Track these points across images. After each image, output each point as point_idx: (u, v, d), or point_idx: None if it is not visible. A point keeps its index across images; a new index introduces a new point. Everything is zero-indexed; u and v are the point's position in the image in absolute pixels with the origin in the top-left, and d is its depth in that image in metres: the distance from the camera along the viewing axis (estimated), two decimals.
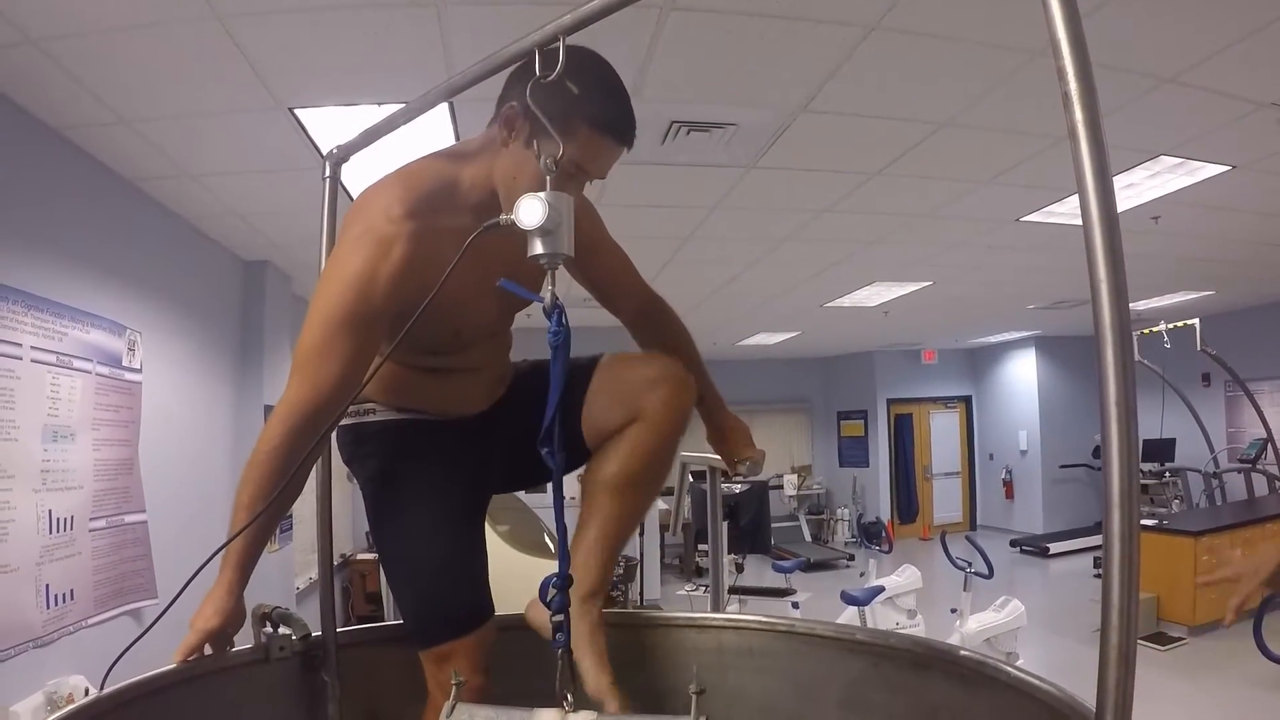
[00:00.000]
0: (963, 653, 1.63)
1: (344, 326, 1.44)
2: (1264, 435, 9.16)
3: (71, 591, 3.64)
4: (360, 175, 4.11)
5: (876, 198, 4.83)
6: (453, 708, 1.16)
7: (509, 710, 1.28)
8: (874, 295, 8.11)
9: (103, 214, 4.07)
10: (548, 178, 1.31)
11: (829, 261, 6.59)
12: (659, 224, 5.26)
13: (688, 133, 3.76)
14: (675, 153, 3.99)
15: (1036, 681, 1.43)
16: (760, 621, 1.93)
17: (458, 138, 3.72)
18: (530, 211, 1.17)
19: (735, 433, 1.95)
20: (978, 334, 12.68)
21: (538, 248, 1.20)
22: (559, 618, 1.27)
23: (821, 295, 8.07)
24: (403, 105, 1.78)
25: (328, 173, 1.87)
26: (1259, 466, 9.51)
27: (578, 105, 1.38)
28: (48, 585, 3.46)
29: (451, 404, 1.76)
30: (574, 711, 1.18)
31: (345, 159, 1.87)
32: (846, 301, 8.37)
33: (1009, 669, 1.48)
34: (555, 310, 1.23)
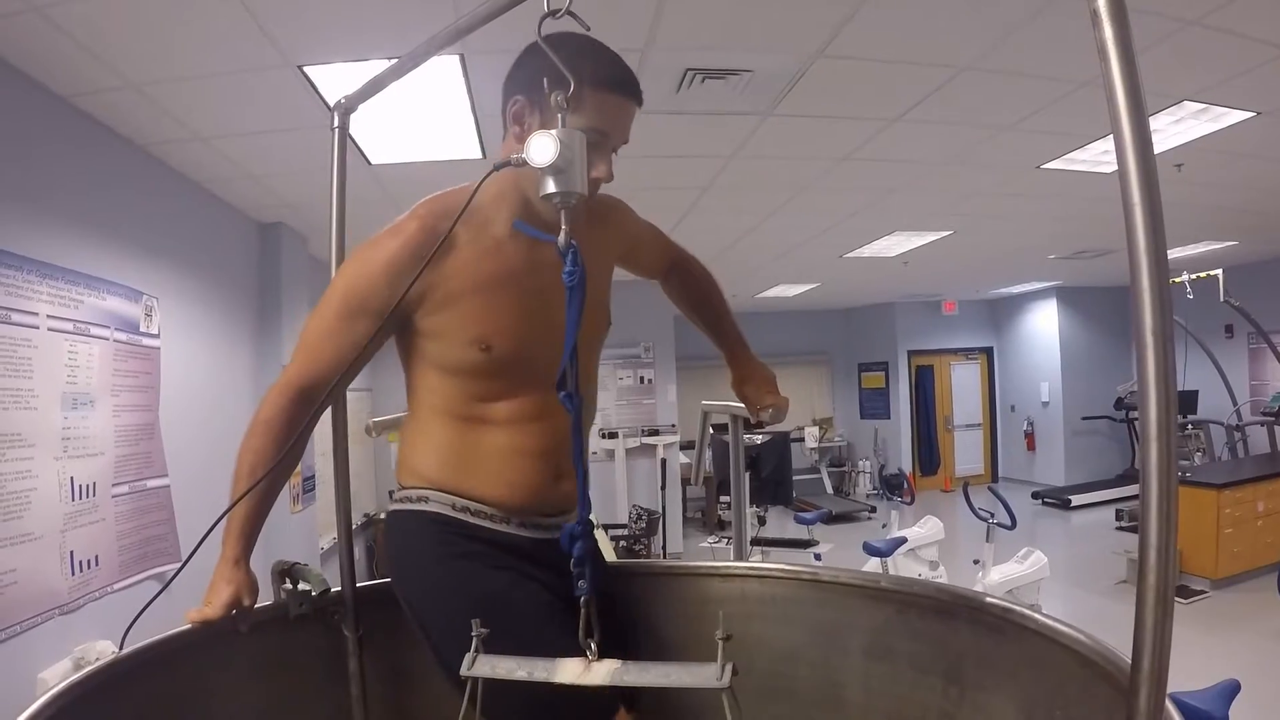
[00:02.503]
0: (988, 600, 1.61)
1: (347, 306, 1.52)
2: None
3: (96, 558, 3.66)
4: (372, 129, 4.09)
5: (895, 145, 4.75)
6: (474, 659, 1.14)
7: (531, 660, 1.27)
8: (894, 245, 8.02)
9: (115, 180, 4.05)
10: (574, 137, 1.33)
11: (848, 211, 6.51)
12: (676, 174, 5.18)
13: (703, 80, 3.69)
14: (691, 101, 3.91)
15: (1064, 629, 1.41)
16: (784, 569, 1.92)
17: (470, 92, 3.67)
18: (542, 149, 1.15)
19: (759, 378, 1.96)
20: (998, 285, 12.56)
21: (550, 186, 1.18)
22: (581, 568, 1.24)
23: (841, 246, 7.98)
24: (415, 63, 1.74)
25: (336, 123, 1.84)
26: None
27: (580, 72, 1.36)
28: (72, 552, 3.48)
29: (516, 487, 1.60)
30: (597, 660, 1.15)
31: (353, 109, 1.84)
32: (866, 252, 8.28)
33: (1036, 616, 1.46)
34: (569, 250, 1.21)
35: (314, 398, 1.52)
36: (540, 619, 1.51)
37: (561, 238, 1.21)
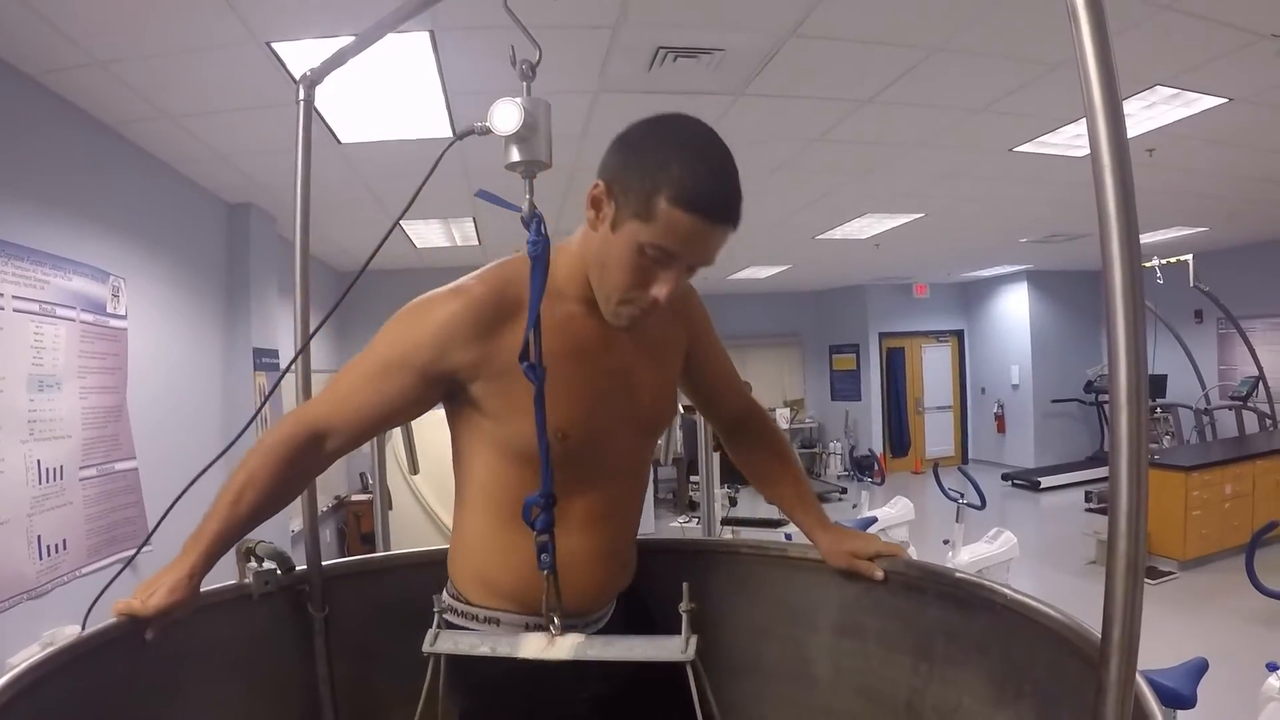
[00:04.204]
0: (958, 575, 1.61)
1: (386, 363, 1.40)
2: (1256, 373, 9.23)
3: (64, 541, 3.62)
4: (342, 108, 4.03)
5: (868, 126, 4.75)
6: (436, 636, 1.12)
7: (494, 635, 1.26)
8: (866, 227, 8.04)
9: (82, 160, 3.99)
10: (642, 262, 1.27)
11: (820, 193, 6.51)
12: None
13: (675, 59, 3.66)
14: (663, 80, 3.89)
15: (1034, 603, 1.42)
16: (753, 545, 1.92)
17: (440, 69, 3.63)
18: (505, 117, 1.12)
19: (858, 536, 1.81)
20: (969, 268, 12.63)
21: (514, 155, 1.15)
22: (544, 537, 1.20)
23: (813, 227, 8.00)
24: (382, 33, 1.69)
25: (302, 95, 1.80)
26: (1250, 404, 9.58)
27: (658, 177, 1.24)
28: (39, 536, 3.44)
29: (587, 594, 1.48)
30: (561, 634, 1.13)
31: (319, 81, 1.81)
32: (838, 234, 8.29)
33: (1006, 591, 1.47)
34: (534, 219, 1.17)
35: (324, 444, 1.42)
36: None
37: (525, 206, 1.17)
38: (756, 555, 1.91)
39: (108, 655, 1.34)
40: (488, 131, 1.14)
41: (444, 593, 1.50)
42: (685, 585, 1.01)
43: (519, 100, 1.12)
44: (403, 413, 1.45)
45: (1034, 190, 6.59)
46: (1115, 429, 0.82)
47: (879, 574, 1.67)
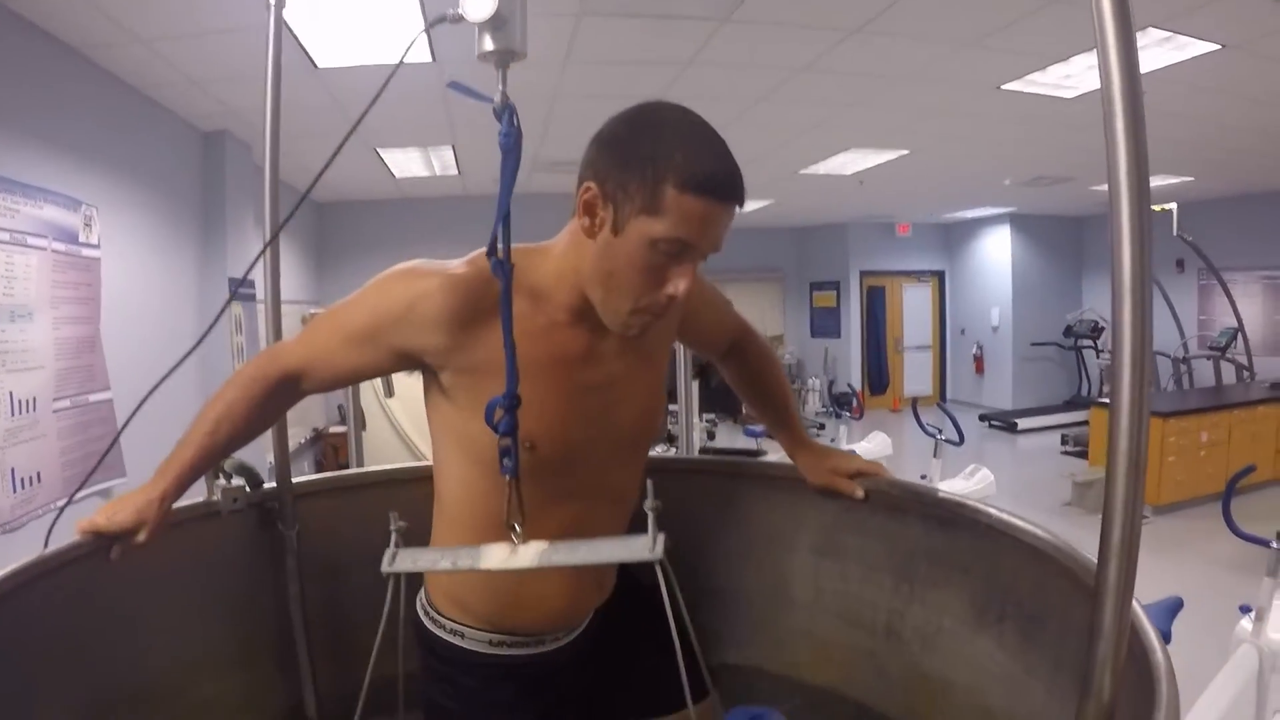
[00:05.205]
0: (940, 495, 1.61)
1: (358, 331, 1.37)
2: (1235, 325, 9.29)
3: (39, 474, 3.59)
4: (318, 31, 3.92)
5: (856, 57, 4.66)
6: (394, 555, 1.09)
7: (454, 549, 1.24)
8: (850, 163, 7.96)
9: (51, 86, 3.88)
10: (655, 260, 1.22)
11: (805, 125, 6.42)
12: (627, 81, 5.00)
13: None
14: (646, 2, 3.78)
15: (1019, 523, 1.41)
16: (729, 464, 1.91)
17: None
18: (478, 3, 1.06)
19: (837, 454, 1.80)
20: (953, 208, 12.59)
21: (487, 44, 1.09)
22: (506, 441, 1.15)
23: (796, 162, 7.91)
24: None
25: (272, 3, 1.73)
26: (1228, 355, 9.66)
27: (661, 166, 1.19)
28: (13, 469, 3.41)
29: (558, 615, 1.49)
30: (523, 544, 1.10)
31: None
32: (822, 169, 8.21)
33: (990, 510, 1.46)
34: (506, 110, 1.10)
35: (299, 384, 1.43)
36: None
37: (498, 98, 1.11)
38: (734, 474, 1.89)
39: (71, 574, 1.32)
40: (460, 19, 1.08)
41: (419, 596, 1.51)
42: (650, 483, 0.98)
43: None
44: (373, 375, 1.46)
45: (1021, 130, 6.51)
46: (1119, 307, 0.80)
47: (859, 493, 1.65)
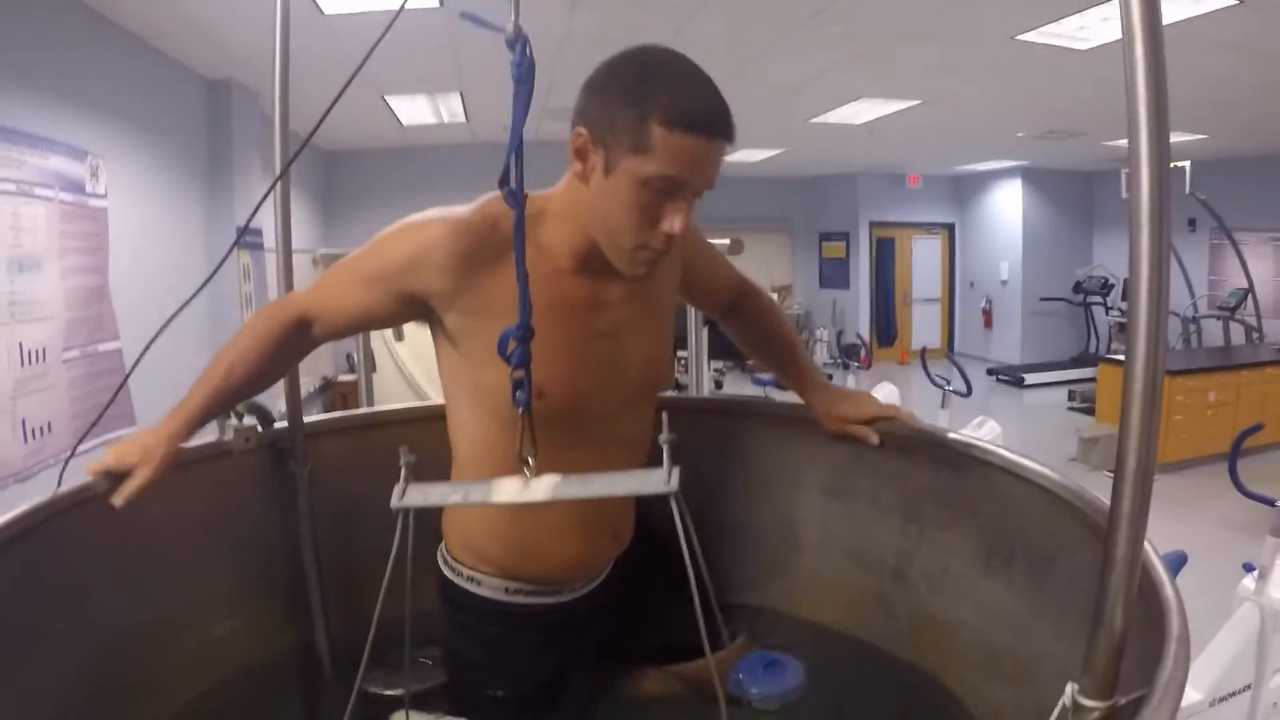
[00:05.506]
0: (950, 436, 1.60)
1: (367, 274, 1.40)
2: (1245, 285, 9.22)
3: (50, 424, 3.62)
4: None
5: (869, 2, 4.60)
6: (404, 490, 1.08)
7: (466, 484, 1.24)
8: (861, 112, 7.86)
9: (54, 35, 3.87)
10: (647, 199, 1.23)
11: (816, 72, 6.32)
12: (635, 26, 4.91)
13: None
14: None
15: (1029, 463, 1.41)
16: (739, 402, 1.90)
17: None
18: None
19: (854, 396, 1.76)
20: (964, 160, 12.47)
21: None
22: (519, 373, 1.15)
23: (807, 110, 7.81)
24: None
25: None
26: (1238, 316, 9.59)
27: (647, 105, 1.19)
28: (24, 420, 3.44)
29: (571, 565, 1.51)
30: (536, 477, 1.08)
31: None
32: (832, 118, 8.11)
33: (1000, 451, 1.45)
34: (518, 40, 1.08)
35: (310, 330, 1.44)
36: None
37: (510, 26, 1.10)
38: (743, 413, 1.88)
39: (81, 515, 1.32)
40: None
41: (439, 547, 1.54)
42: (665, 415, 0.98)
43: None
44: (383, 321, 1.49)
45: (1034, 82, 6.42)
46: (1137, 232, 0.81)
47: (874, 439, 1.63)
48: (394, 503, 1.06)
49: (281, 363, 1.48)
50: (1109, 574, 0.85)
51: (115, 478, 1.32)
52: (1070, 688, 0.89)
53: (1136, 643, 0.89)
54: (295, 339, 1.44)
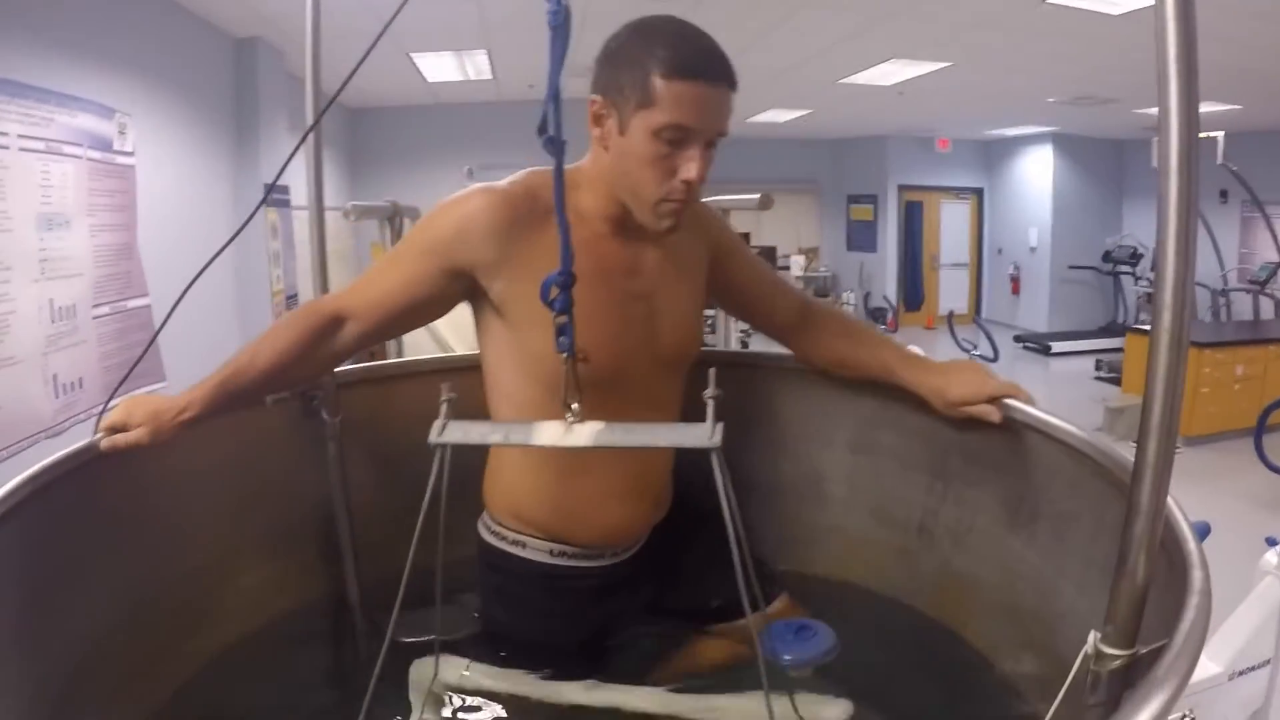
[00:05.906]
0: None
1: (409, 248, 1.47)
2: (1276, 259, 9.11)
3: (80, 380, 3.66)
4: None
5: None
6: (444, 426, 1.08)
7: (506, 424, 1.24)
8: (890, 74, 7.77)
9: None
10: (661, 151, 1.29)
11: (845, 33, 6.24)
12: None
13: None
14: None
15: (1056, 421, 1.40)
16: (768, 357, 1.90)
17: None
18: None
19: (966, 370, 1.57)
20: (994, 125, 12.30)
21: None
22: (562, 319, 1.14)
23: (836, 70, 7.71)
24: None
25: None
26: (1268, 290, 9.49)
27: (646, 63, 1.28)
28: (55, 375, 3.48)
29: (611, 530, 1.56)
30: (579, 422, 1.08)
31: None
32: (861, 79, 8.01)
33: (1027, 409, 1.44)
34: None
35: (344, 324, 1.44)
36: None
37: None
38: (775, 368, 1.88)
39: (110, 465, 1.32)
40: None
41: (481, 517, 1.60)
42: (711, 371, 0.98)
43: None
44: (424, 306, 1.46)
45: (1067, 47, 6.32)
46: (1165, 186, 0.81)
47: (996, 416, 1.47)
48: (432, 438, 1.06)
49: (310, 358, 1.45)
50: (1132, 523, 0.86)
51: (117, 431, 1.32)
52: (1093, 636, 0.90)
53: (1159, 598, 0.89)
54: (327, 332, 1.44)
